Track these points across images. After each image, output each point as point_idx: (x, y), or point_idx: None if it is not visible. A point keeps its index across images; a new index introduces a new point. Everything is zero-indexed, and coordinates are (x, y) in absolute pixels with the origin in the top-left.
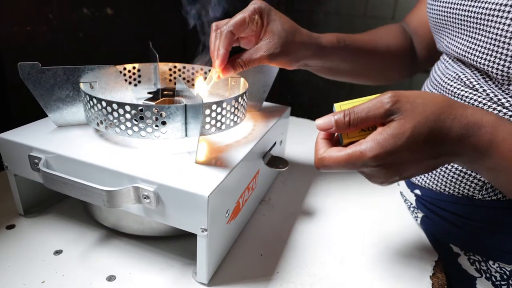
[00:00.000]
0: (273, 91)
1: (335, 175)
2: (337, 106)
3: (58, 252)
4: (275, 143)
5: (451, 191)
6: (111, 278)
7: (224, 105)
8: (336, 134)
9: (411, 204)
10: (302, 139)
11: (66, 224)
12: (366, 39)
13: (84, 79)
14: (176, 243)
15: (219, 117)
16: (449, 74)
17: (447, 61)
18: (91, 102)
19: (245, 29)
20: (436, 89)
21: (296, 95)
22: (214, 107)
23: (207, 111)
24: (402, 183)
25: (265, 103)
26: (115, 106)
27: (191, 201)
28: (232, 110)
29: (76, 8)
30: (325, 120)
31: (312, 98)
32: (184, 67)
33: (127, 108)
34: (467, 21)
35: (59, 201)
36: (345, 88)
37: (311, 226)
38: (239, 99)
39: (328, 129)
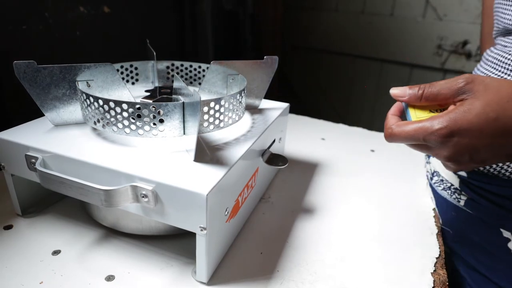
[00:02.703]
0: (271, 88)
1: (335, 174)
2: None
3: (56, 252)
4: (274, 141)
5: (503, 175)
6: (110, 278)
7: (222, 102)
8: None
9: (452, 185)
10: (301, 136)
11: (64, 224)
12: None
13: (81, 78)
14: (175, 242)
15: (217, 114)
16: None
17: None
18: (88, 100)
19: None
20: (496, 69)
21: (294, 92)
22: (212, 104)
23: (205, 109)
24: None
25: (264, 101)
26: (112, 104)
27: (189, 200)
28: (231, 107)
29: (72, 7)
30: (400, 89)
31: (312, 96)
32: (182, 65)
33: (124, 106)
34: None
35: (57, 201)
36: (343, 86)
37: (311, 223)
38: (238, 96)
39: (401, 97)
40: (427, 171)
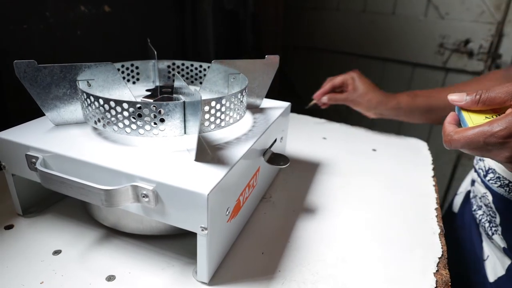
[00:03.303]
0: (273, 87)
1: (336, 174)
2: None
3: (57, 252)
4: (275, 140)
5: None
6: (110, 278)
7: (224, 101)
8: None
9: (510, 182)
10: (303, 135)
11: (65, 224)
12: (442, 99)
13: (82, 77)
14: (176, 242)
15: (218, 114)
16: None
17: None
18: (88, 100)
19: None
20: None
21: (296, 91)
22: (213, 103)
23: (206, 108)
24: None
25: (265, 100)
26: (112, 103)
27: (190, 200)
28: (232, 106)
29: (73, 6)
30: (458, 95)
31: (313, 95)
32: (183, 64)
33: (125, 105)
34: None
35: (57, 200)
36: None
37: (313, 223)
38: (239, 96)
39: (458, 102)
40: (479, 168)
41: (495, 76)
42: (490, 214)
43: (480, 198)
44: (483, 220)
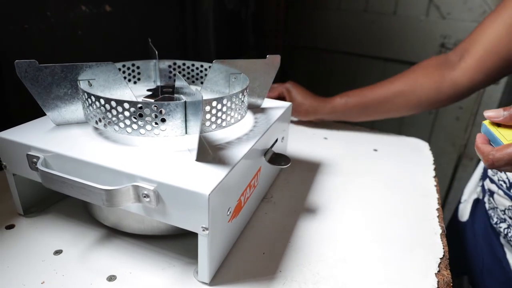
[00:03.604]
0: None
1: (338, 174)
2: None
3: (58, 252)
4: (276, 140)
5: None
6: (111, 278)
7: (225, 101)
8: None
9: None
10: (304, 135)
11: (66, 223)
12: (377, 97)
13: (82, 77)
14: (177, 242)
15: (219, 113)
16: None
17: None
18: (89, 99)
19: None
20: None
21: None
22: (214, 103)
23: (207, 108)
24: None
25: (266, 100)
26: (113, 103)
27: (191, 200)
28: (233, 106)
29: (74, 6)
30: (495, 111)
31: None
32: (184, 64)
33: (126, 105)
34: None
35: (58, 200)
36: (345, 85)
37: (314, 223)
38: (240, 96)
39: (495, 118)
40: (500, 180)
41: (430, 63)
42: None
43: (503, 211)
44: (510, 234)
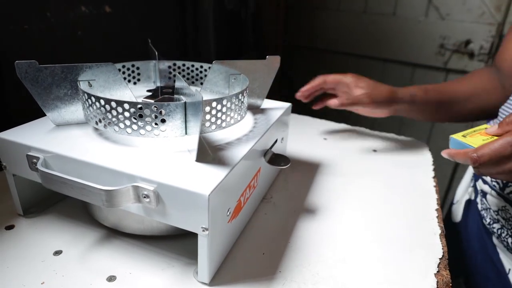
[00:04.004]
0: (273, 88)
1: (337, 174)
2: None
3: (57, 253)
4: (276, 141)
5: None
6: (111, 278)
7: (224, 102)
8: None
9: None
10: (303, 136)
11: (65, 224)
12: (452, 95)
13: (83, 77)
14: (177, 242)
15: (219, 114)
16: None
17: None
18: (89, 100)
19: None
20: None
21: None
22: (214, 104)
23: (207, 109)
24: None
25: (266, 100)
26: (113, 104)
27: (191, 200)
28: (233, 107)
29: (74, 6)
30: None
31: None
32: (183, 64)
33: (126, 106)
34: None
35: (58, 201)
36: None
37: (313, 224)
38: (240, 96)
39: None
40: (493, 181)
41: (485, 73)
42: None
43: (496, 211)
44: (503, 235)
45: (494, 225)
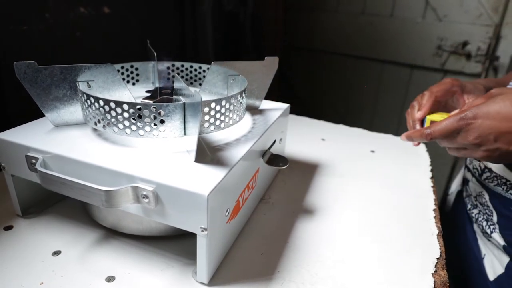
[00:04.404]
0: (272, 89)
1: (335, 175)
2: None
3: (56, 253)
4: (274, 141)
5: None
6: (110, 279)
7: (223, 103)
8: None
9: (508, 181)
10: (302, 137)
11: (64, 224)
12: None
13: (82, 78)
14: (175, 243)
15: (218, 115)
16: None
17: None
18: (88, 101)
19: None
20: None
21: (295, 93)
22: (213, 105)
23: (206, 109)
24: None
25: (265, 101)
26: (112, 105)
27: (190, 200)
28: (231, 108)
29: (73, 7)
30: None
31: (312, 96)
32: (182, 65)
33: (125, 106)
34: None
35: (57, 201)
36: (343, 86)
37: (311, 224)
38: (238, 97)
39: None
40: (474, 168)
41: None
42: (486, 213)
43: (475, 197)
44: (479, 219)
45: (473, 210)
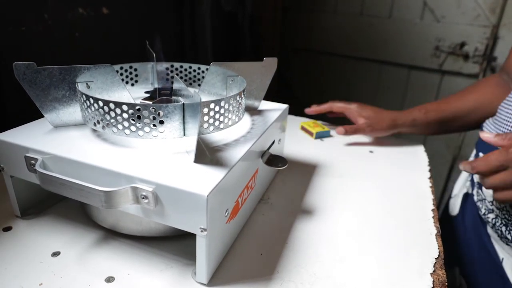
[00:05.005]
0: (271, 89)
1: (334, 175)
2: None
3: (55, 254)
4: (273, 142)
5: None
6: (109, 279)
7: (222, 103)
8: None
9: None
10: (301, 138)
11: (63, 225)
12: (454, 111)
13: (81, 79)
14: (175, 243)
15: (217, 116)
16: None
17: None
18: (87, 102)
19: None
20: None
21: (293, 93)
22: (212, 105)
23: (205, 110)
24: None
25: (263, 102)
26: (112, 105)
27: (190, 201)
28: (230, 108)
29: (72, 8)
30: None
31: (311, 97)
32: (181, 66)
33: (124, 107)
34: None
35: (56, 202)
36: (342, 87)
37: (311, 225)
38: (237, 98)
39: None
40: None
41: (491, 82)
42: (505, 218)
43: (491, 201)
44: (497, 224)
45: (489, 215)
